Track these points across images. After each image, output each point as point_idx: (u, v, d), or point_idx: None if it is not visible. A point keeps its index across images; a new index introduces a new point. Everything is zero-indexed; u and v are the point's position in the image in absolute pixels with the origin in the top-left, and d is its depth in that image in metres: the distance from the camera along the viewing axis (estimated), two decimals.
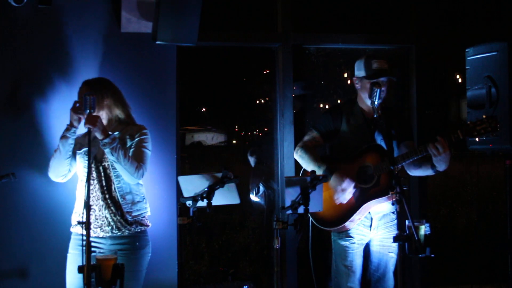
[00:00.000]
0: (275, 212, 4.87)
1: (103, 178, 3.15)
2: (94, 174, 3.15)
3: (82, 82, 3.25)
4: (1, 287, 3.46)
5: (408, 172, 3.38)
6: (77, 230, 3.18)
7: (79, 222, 2.99)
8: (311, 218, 3.42)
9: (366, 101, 3.37)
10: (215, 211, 2.81)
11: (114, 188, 3.15)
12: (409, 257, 2.86)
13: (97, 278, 2.68)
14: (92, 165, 3.14)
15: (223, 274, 4.33)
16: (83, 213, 2.69)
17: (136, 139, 3.22)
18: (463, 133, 3.05)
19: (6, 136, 3.51)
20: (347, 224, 3.30)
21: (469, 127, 3.05)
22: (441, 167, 3.14)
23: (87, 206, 2.69)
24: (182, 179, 2.88)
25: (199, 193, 2.80)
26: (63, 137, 3.12)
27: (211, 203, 2.79)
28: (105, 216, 3.13)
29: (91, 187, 3.12)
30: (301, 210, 2.77)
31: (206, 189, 2.80)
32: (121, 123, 3.26)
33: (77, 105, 3.09)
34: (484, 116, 3.07)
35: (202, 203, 2.80)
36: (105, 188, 3.14)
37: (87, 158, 3.04)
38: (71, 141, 3.12)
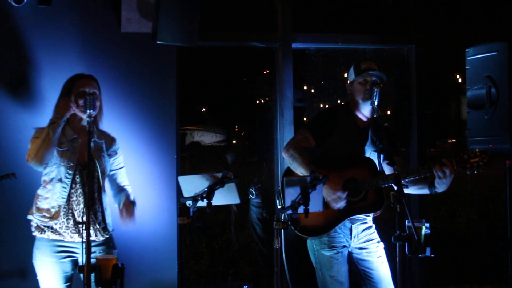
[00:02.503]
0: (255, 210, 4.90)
1: (85, 184, 3.03)
2: (77, 179, 3.06)
3: (83, 75, 3.16)
4: (1, 287, 3.46)
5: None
6: (47, 236, 3.04)
7: (78, 222, 2.99)
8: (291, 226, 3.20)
9: (359, 105, 3.29)
10: (215, 211, 2.81)
11: (97, 197, 3.11)
12: (409, 257, 2.85)
13: (97, 278, 2.68)
14: (77, 171, 3.05)
15: (223, 274, 4.34)
16: (88, 214, 2.68)
17: (119, 155, 3.26)
18: (457, 163, 3.04)
19: (6, 136, 3.51)
20: (327, 234, 3.22)
21: (463, 159, 3.05)
22: (441, 188, 3.10)
23: (87, 207, 2.69)
24: (182, 179, 2.88)
25: (199, 193, 2.80)
26: (54, 123, 2.98)
27: (211, 203, 2.79)
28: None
29: (72, 191, 3.05)
30: (301, 210, 2.77)
31: (206, 189, 2.80)
32: (96, 128, 3.22)
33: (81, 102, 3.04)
34: (477, 150, 3.07)
35: (202, 203, 2.79)
36: (87, 194, 3.01)
37: (73, 158, 3.05)
38: (59, 129, 3.00)
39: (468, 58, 3.85)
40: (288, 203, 2.82)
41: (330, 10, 4.74)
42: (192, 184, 2.84)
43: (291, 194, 2.82)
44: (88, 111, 2.86)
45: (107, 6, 3.69)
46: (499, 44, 3.61)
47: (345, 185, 3.18)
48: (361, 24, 4.66)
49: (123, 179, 3.29)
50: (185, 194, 2.86)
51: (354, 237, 3.28)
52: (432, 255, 2.82)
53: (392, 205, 2.79)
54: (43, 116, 3.53)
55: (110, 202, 3.24)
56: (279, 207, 3.27)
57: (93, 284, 2.72)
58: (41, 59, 3.58)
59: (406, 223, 2.80)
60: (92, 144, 3.02)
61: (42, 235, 3.06)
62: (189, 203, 2.81)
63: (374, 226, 3.34)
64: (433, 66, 4.47)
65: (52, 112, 3.49)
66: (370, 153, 3.29)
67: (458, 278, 4.84)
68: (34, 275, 3.47)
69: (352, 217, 3.23)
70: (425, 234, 2.87)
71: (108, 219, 3.19)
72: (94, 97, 2.88)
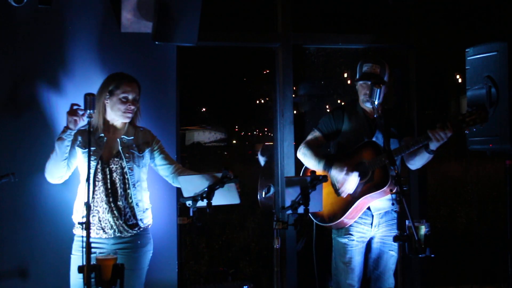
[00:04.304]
0: (276, 212, 4.88)
1: (108, 181, 3.14)
2: (99, 176, 3.14)
3: (128, 78, 3.23)
4: (1, 287, 3.46)
5: (410, 166, 3.44)
6: (78, 232, 3.17)
7: (79, 223, 3.01)
8: (310, 216, 3.47)
9: (362, 102, 3.47)
10: (215, 211, 2.81)
11: (122, 194, 3.15)
12: (409, 257, 2.86)
13: (97, 278, 2.68)
14: (99, 166, 3.14)
15: (223, 274, 4.33)
16: (88, 214, 2.68)
17: (154, 145, 3.34)
18: (452, 125, 3.09)
19: (6, 136, 3.51)
20: (344, 219, 3.34)
21: (458, 119, 3.10)
22: (434, 147, 3.17)
23: (87, 206, 2.69)
24: (182, 179, 2.88)
25: (199, 193, 2.80)
26: (60, 139, 3.10)
27: (211, 203, 2.79)
28: (108, 220, 3.13)
29: (96, 188, 3.13)
30: (301, 210, 2.78)
31: (206, 189, 2.80)
32: (131, 124, 3.31)
33: (74, 107, 3.09)
34: (474, 108, 3.09)
35: (202, 203, 2.80)
36: (109, 191, 3.14)
37: (93, 158, 3.12)
38: (67, 143, 3.10)
39: (468, 58, 3.85)
40: (288, 203, 2.83)
41: (330, 10, 4.74)
42: (192, 184, 2.84)
43: (291, 194, 2.82)
44: (88, 111, 2.86)
45: (107, 6, 3.68)
46: (499, 44, 3.61)
47: (354, 169, 3.32)
48: (361, 24, 4.66)
49: (171, 159, 3.37)
50: (185, 194, 2.86)
51: (375, 226, 3.41)
52: (432, 255, 2.83)
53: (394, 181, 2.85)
54: (43, 116, 3.54)
55: (145, 198, 3.29)
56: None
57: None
58: (41, 59, 3.58)
59: (406, 223, 2.81)
60: (119, 140, 3.20)
61: (76, 231, 3.20)
62: (189, 203, 2.81)
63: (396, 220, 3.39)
64: (433, 66, 4.47)
65: (52, 113, 3.51)
66: (380, 140, 3.39)
67: (458, 278, 4.84)
68: (34, 275, 3.49)
69: (370, 203, 3.34)
70: (425, 234, 2.87)
71: (140, 215, 3.22)
72: (94, 98, 2.88)
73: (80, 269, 2.65)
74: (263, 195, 5.20)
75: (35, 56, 3.57)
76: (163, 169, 3.34)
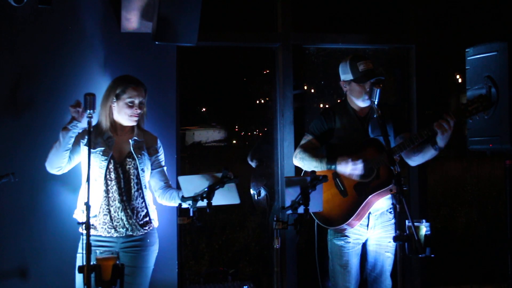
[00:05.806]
0: (275, 212, 4.88)
1: (121, 181, 3.15)
2: (112, 175, 3.14)
3: (134, 82, 3.21)
4: (1, 287, 3.46)
5: (411, 162, 3.39)
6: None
7: (78, 223, 3.02)
8: (316, 220, 3.43)
9: (356, 103, 3.41)
10: (215, 211, 2.81)
11: (135, 194, 3.17)
12: (409, 257, 2.86)
13: (97, 278, 2.68)
14: (111, 166, 3.14)
15: (223, 274, 4.33)
16: (88, 214, 2.69)
17: (160, 154, 3.35)
18: (455, 114, 3.07)
19: (6, 136, 3.51)
20: (354, 220, 3.30)
21: (461, 108, 3.08)
22: (443, 143, 3.14)
23: (87, 206, 2.69)
24: (182, 179, 2.88)
25: (199, 193, 2.80)
26: (65, 128, 3.08)
27: (211, 203, 2.79)
28: (121, 218, 3.14)
29: (108, 187, 3.13)
30: (301, 210, 2.77)
31: (206, 189, 2.80)
32: (138, 127, 3.31)
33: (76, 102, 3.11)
34: (474, 97, 3.10)
35: (202, 203, 2.80)
36: (123, 190, 3.15)
37: (104, 158, 3.13)
38: (71, 134, 3.08)
39: (468, 58, 3.85)
40: (288, 203, 2.82)
41: (330, 10, 4.75)
42: (192, 184, 2.84)
43: (291, 194, 2.82)
44: (88, 111, 2.86)
45: (107, 6, 3.69)
46: (499, 44, 3.61)
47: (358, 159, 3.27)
48: (361, 24, 4.66)
49: (164, 177, 3.35)
50: (185, 194, 2.86)
51: (371, 228, 3.38)
52: (432, 255, 2.83)
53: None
54: (43, 116, 3.54)
55: (153, 198, 3.32)
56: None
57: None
58: (41, 59, 3.58)
59: (406, 223, 2.81)
60: (132, 142, 3.21)
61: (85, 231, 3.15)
62: (189, 203, 2.81)
63: (394, 221, 3.35)
64: (433, 66, 4.47)
65: (52, 112, 3.51)
66: (375, 137, 3.36)
67: (458, 278, 4.84)
68: (34, 275, 3.49)
69: (375, 202, 3.30)
70: (425, 234, 2.87)
71: (152, 215, 3.27)
72: (93, 97, 2.89)
73: (80, 269, 2.66)
74: (256, 198, 5.24)
75: (35, 56, 3.57)
76: (155, 182, 3.34)
